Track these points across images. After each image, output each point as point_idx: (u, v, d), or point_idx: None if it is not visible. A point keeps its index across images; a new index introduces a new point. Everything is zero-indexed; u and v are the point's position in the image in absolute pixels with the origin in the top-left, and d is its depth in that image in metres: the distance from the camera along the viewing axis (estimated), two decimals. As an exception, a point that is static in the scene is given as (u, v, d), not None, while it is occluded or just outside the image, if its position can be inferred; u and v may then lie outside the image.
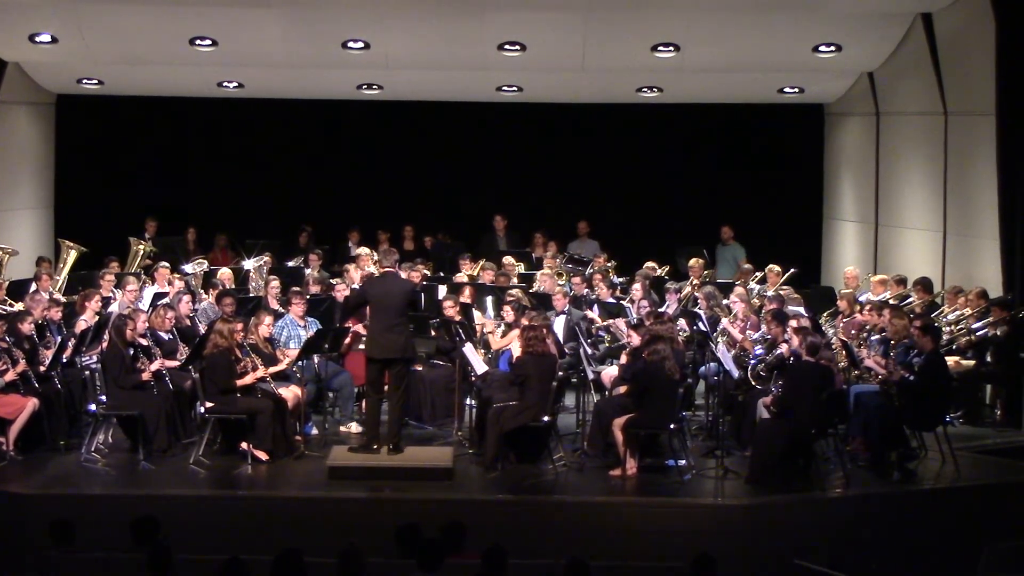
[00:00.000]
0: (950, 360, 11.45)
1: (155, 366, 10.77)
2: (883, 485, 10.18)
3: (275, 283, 13.12)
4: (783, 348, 10.76)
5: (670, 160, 17.72)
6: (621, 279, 14.52)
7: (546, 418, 10.24)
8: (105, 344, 10.74)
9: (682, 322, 12.11)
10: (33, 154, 16.83)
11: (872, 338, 11.46)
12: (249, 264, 14.57)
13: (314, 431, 11.30)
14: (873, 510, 9.77)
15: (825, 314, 12.89)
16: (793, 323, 10.71)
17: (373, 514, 9.35)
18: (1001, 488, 10.23)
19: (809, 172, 17.78)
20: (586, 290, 13.60)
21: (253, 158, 17.73)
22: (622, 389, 10.64)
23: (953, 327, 12.20)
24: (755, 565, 8.99)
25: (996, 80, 12.49)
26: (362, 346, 11.44)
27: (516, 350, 10.76)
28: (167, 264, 13.90)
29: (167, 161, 17.73)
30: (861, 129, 16.56)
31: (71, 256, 14.48)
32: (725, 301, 12.71)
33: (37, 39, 14.34)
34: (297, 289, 12.52)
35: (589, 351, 11.71)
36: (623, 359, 11.14)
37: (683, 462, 10.27)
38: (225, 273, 13.89)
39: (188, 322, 11.99)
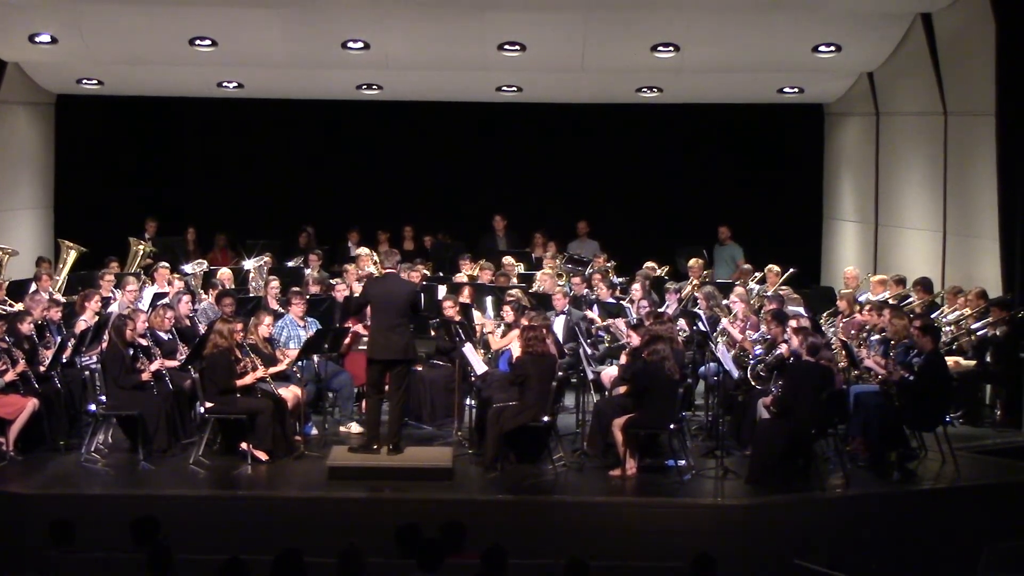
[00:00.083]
0: (950, 360, 11.45)
1: (155, 366, 10.77)
2: (883, 485, 10.19)
3: (275, 283, 13.12)
4: (783, 348, 10.76)
5: (670, 160, 17.73)
6: (621, 279, 14.53)
7: (546, 418, 10.24)
8: (105, 344, 10.73)
9: (682, 322, 12.11)
10: (33, 154, 16.83)
11: (872, 338, 11.46)
12: (249, 264, 14.56)
13: (314, 431, 11.31)
14: (873, 510, 9.78)
15: (825, 314, 12.88)
16: (793, 323, 10.72)
17: (373, 514, 9.35)
18: (1001, 488, 10.24)
19: (809, 172, 17.78)
20: (586, 290, 13.60)
21: (253, 158, 17.74)
22: (622, 389, 10.64)
23: (953, 327, 12.20)
24: (755, 565, 8.99)
25: (996, 80, 12.49)
26: (362, 346, 11.46)
27: (516, 350, 10.77)
28: (167, 264, 13.91)
29: (167, 161, 17.74)
30: (861, 129, 16.56)
31: (71, 256, 14.48)
32: (725, 301, 12.71)
33: (37, 39, 14.34)
34: (297, 289, 12.52)
35: (589, 351, 11.71)
36: (623, 359, 11.15)
37: (683, 462, 10.27)
38: (225, 273, 13.89)
39: (188, 322, 11.98)
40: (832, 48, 14.50)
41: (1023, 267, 12.39)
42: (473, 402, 11.42)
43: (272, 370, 10.86)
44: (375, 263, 14.42)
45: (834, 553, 9.05)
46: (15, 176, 16.30)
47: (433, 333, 12.04)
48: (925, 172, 14.75)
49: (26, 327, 10.85)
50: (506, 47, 14.54)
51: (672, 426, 10.19)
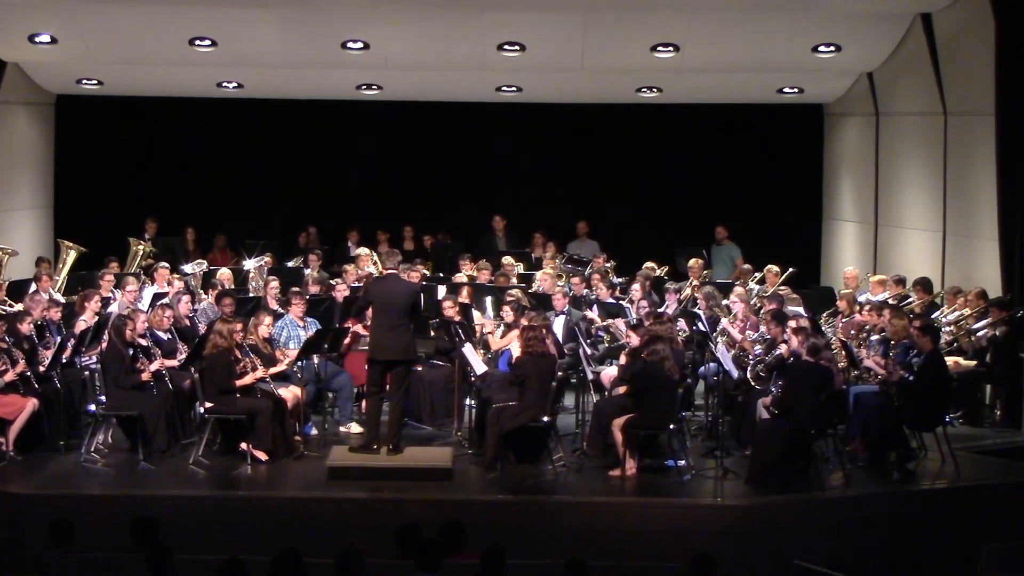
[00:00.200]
0: (950, 360, 11.45)
1: (155, 366, 10.77)
2: (883, 485, 10.18)
3: (274, 283, 13.11)
4: (782, 348, 10.76)
5: (669, 160, 17.72)
6: (620, 279, 14.52)
7: (545, 418, 10.24)
8: (105, 344, 10.73)
9: (682, 322, 12.11)
10: (33, 154, 16.83)
11: (872, 338, 11.46)
12: (250, 264, 14.56)
13: (314, 431, 11.31)
14: (873, 510, 9.77)
15: (825, 314, 12.88)
16: (792, 323, 10.72)
17: (373, 514, 9.35)
18: (1001, 488, 10.23)
19: (808, 172, 17.77)
20: (585, 290, 13.60)
21: (253, 158, 17.73)
22: (621, 389, 10.64)
23: (953, 327, 12.20)
24: (755, 565, 8.99)
25: (995, 80, 12.49)
26: (363, 346, 11.45)
27: (516, 350, 10.76)
28: (167, 264, 13.90)
29: (167, 161, 17.72)
30: (860, 129, 16.56)
31: (71, 256, 14.48)
32: (725, 301, 12.71)
33: (37, 39, 14.34)
34: (296, 289, 12.51)
35: (588, 351, 11.71)
36: (622, 359, 11.14)
37: (683, 462, 10.27)
38: (224, 273, 13.89)
39: (187, 322, 11.98)
40: (832, 48, 14.50)
41: (1023, 267, 12.39)
42: (473, 402, 11.42)
43: (272, 370, 10.86)
44: (375, 263, 14.43)
45: (834, 553, 9.06)
46: (15, 176, 16.30)
47: (433, 333, 12.04)
48: (925, 172, 14.75)
49: (26, 327, 10.85)
50: (506, 47, 14.54)
51: (672, 426, 10.20)
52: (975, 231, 13.43)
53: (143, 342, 10.88)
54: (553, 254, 15.79)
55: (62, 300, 12.38)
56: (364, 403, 11.14)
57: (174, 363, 11.12)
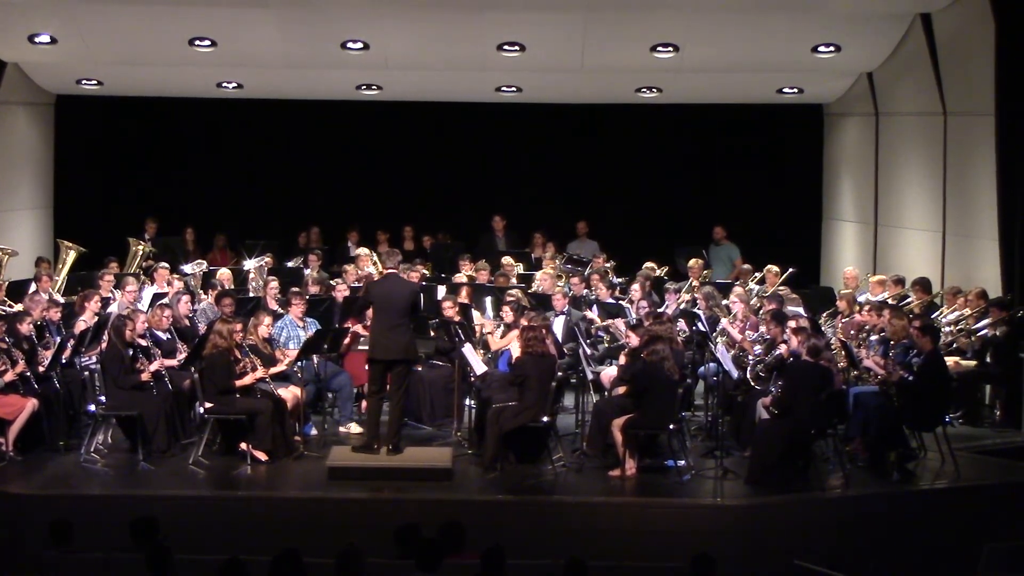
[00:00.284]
0: (950, 360, 11.45)
1: (154, 366, 10.77)
2: (883, 485, 10.18)
3: (274, 283, 13.11)
4: (782, 348, 10.76)
5: (669, 160, 17.72)
6: (620, 279, 14.52)
7: (545, 418, 10.24)
8: (104, 344, 10.73)
9: (681, 322, 12.10)
10: (33, 154, 16.82)
11: (871, 338, 11.45)
12: (249, 264, 14.56)
13: (313, 431, 11.30)
14: (873, 510, 9.77)
15: (824, 314, 12.88)
16: (792, 323, 10.72)
17: (373, 514, 9.35)
18: (1001, 488, 10.23)
19: (808, 172, 17.77)
20: (585, 290, 13.60)
21: (252, 158, 17.73)
22: (621, 389, 10.64)
23: (953, 327, 12.19)
24: (755, 565, 8.99)
25: (995, 80, 12.49)
26: (362, 346, 11.45)
27: (515, 350, 10.76)
28: (166, 264, 13.91)
29: (167, 161, 17.72)
30: (860, 129, 16.56)
31: (70, 257, 14.48)
32: (724, 301, 12.71)
33: (36, 39, 14.33)
34: (296, 290, 12.51)
35: (588, 351, 11.71)
36: (622, 359, 11.14)
37: (682, 462, 10.28)
38: (224, 273, 13.89)
39: (187, 322, 11.98)
40: (832, 48, 14.50)
41: (1022, 267, 12.39)
42: (473, 402, 11.42)
43: (272, 370, 10.87)
44: (375, 263, 14.43)
45: (834, 553, 9.06)
46: (15, 176, 16.30)
47: (433, 333, 12.04)
48: (925, 172, 14.75)
49: (26, 327, 10.85)
50: (505, 47, 14.53)
51: (672, 426, 10.20)
52: (975, 231, 13.43)
53: (143, 342, 10.88)
54: (553, 254, 15.78)
55: (62, 300, 12.38)
56: (364, 403, 11.14)
57: (174, 363, 11.12)
